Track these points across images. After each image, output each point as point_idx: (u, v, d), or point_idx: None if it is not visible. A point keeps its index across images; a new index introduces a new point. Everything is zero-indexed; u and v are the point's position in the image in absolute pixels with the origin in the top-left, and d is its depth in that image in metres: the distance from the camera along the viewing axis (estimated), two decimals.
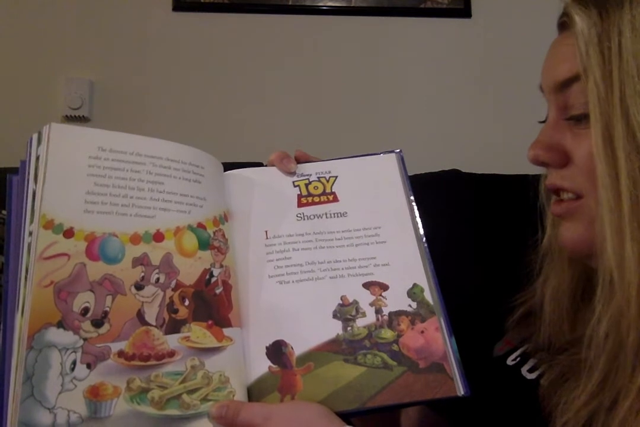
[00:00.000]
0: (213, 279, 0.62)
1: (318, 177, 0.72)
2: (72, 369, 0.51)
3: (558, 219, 0.65)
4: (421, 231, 0.68)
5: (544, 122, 0.64)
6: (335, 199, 0.70)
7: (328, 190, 0.71)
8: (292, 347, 0.61)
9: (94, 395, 0.51)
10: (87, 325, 0.53)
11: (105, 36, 1.80)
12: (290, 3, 1.83)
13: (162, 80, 1.81)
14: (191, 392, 0.56)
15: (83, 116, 1.75)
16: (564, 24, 0.60)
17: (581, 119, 0.57)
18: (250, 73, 1.82)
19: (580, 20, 0.56)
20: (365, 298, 0.64)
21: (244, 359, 0.61)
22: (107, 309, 0.55)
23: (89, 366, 0.52)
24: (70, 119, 1.76)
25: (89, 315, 0.54)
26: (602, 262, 0.53)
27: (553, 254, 0.69)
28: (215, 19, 1.83)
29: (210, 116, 1.80)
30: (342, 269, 0.65)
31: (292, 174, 0.72)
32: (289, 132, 1.79)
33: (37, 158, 0.56)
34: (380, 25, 1.85)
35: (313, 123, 1.82)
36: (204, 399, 0.56)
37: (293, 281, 0.65)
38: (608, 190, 0.52)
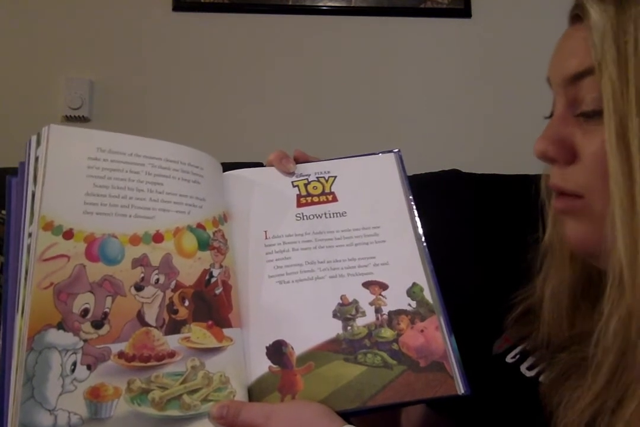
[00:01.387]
0: (213, 280, 0.62)
1: (317, 177, 0.72)
2: (73, 371, 0.52)
3: (560, 217, 0.65)
4: (420, 230, 0.68)
5: (549, 117, 0.63)
6: (335, 199, 0.71)
7: (327, 190, 0.71)
8: (292, 347, 0.61)
9: (95, 396, 0.52)
10: (87, 326, 0.53)
11: (105, 36, 1.80)
12: (290, 3, 1.83)
13: (162, 80, 1.81)
14: (192, 392, 0.56)
15: (83, 116, 1.75)
16: (577, 16, 0.58)
17: (592, 116, 0.56)
18: (250, 73, 1.82)
19: (595, 14, 0.54)
20: (365, 297, 0.64)
21: (244, 359, 0.61)
22: (107, 310, 0.55)
23: (89, 367, 0.52)
24: (70, 119, 1.76)
25: (89, 316, 0.54)
26: (611, 261, 0.52)
27: (554, 252, 0.69)
28: (215, 19, 1.83)
29: (210, 116, 1.80)
30: (342, 268, 0.65)
31: (291, 174, 0.72)
32: (288, 132, 1.79)
33: (36, 159, 0.56)
34: (380, 25, 1.85)
35: (313, 123, 1.82)
36: (205, 400, 0.56)
37: (293, 281, 0.65)
38: (621, 189, 0.51)
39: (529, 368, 0.66)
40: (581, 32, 0.56)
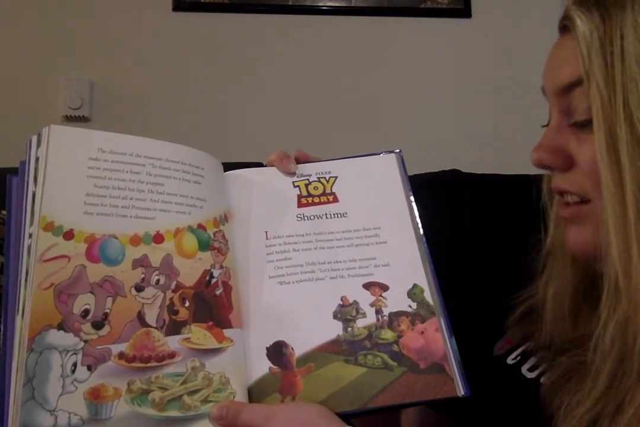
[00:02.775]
0: (213, 280, 0.62)
1: (318, 178, 0.72)
2: (73, 371, 0.51)
3: (562, 219, 0.65)
4: (421, 231, 0.67)
5: (546, 126, 0.63)
6: (335, 200, 0.70)
7: (328, 191, 0.71)
8: (292, 348, 0.61)
9: (95, 397, 0.51)
10: (87, 327, 0.53)
11: (105, 36, 1.81)
12: (290, 3, 1.83)
13: (162, 80, 1.81)
14: (192, 393, 0.56)
15: (83, 116, 1.76)
16: (565, 27, 0.59)
17: (585, 125, 0.56)
18: (250, 73, 1.82)
19: (581, 24, 0.55)
20: (365, 299, 0.64)
21: (245, 360, 0.61)
22: (108, 310, 0.55)
23: (89, 368, 0.52)
24: (70, 119, 1.76)
25: (89, 317, 0.54)
26: (607, 267, 0.53)
27: (556, 254, 0.69)
28: (215, 19, 1.84)
29: (210, 116, 1.80)
30: (342, 269, 0.65)
31: (292, 174, 0.72)
32: (289, 132, 1.79)
33: (37, 160, 0.56)
34: (380, 25, 1.85)
35: (313, 123, 1.82)
36: (205, 400, 0.56)
37: (293, 282, 0.64)
38: (613, 196, 0.52)
39: (530, 369, 0.66)
40: (570, 42, 0.57)
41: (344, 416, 0.57)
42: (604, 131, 0.53)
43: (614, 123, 0.52)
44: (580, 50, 0.55)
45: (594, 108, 0.53)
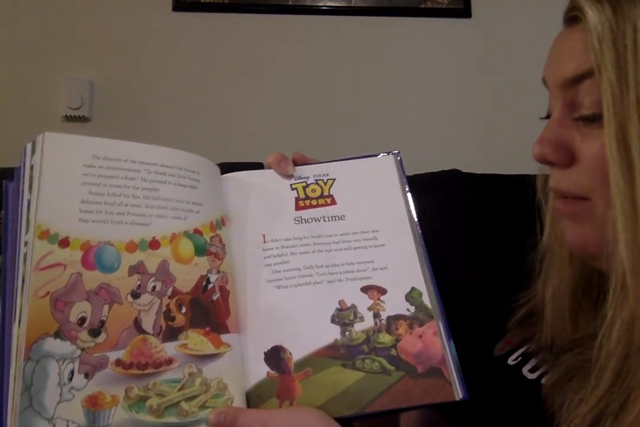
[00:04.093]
0: (210, 285, 0.62)
1: (316, 180, 0.71)
2: (70, 379, 0.51)
3: (558, 217, 0.65)
4: (419, 234, 0.67)
5: (546, 118, 0.62)
6: (333, 202, 0.70)
7: (326, 193, 0.71)
8: (290, 353, 0.61)
9: (92, 404, 0.52)
10: (84, 335, 0.53)
11: (105, 36, 1.81)
12: (290, 3, 1.83)
13: (162, 80, 1.81)
14: (189, 399, 0.56)
15: (83, 116, 1.76)
16: (573, 18, 0.57)
17: (592, 119, 0.55)
18: (250, 73, 1.82)
19: (592, 15, 0.53)
20: (363, 302, 0.64)
21: (242, 365, 0.61)
22: (104, 318, 0.55)
23: (86, 376, 0.52)
24: (70, 119, 1.76)
25: (85, 324, 0.54)
26: (614, 266, 0.52)
27: (553, 253, 0.68)
28: (215, 19, 1.84)
29: (210, 116, 1.80)
30: (340, 273, 0.65)
31: (290, 176, 0.71)
32: (289, 132, 1.79)
33: (32, 167, 0.56)
34: (380, 25, 1.85)
35: (312, 123, 1.81)
36: (203, 406, 0.56)
37: (291, 286, 0.64)
38: (622, 193, 0.51)
39: (531, 370, 0.66)
40: (578, 34, 0.56)
41: (341, 421, 0.57)
42: (615, 126, 0.51)
43: (625, 118, 0.51)
44: (592, 41, 0.53)
45: (604, 102, 0.52)
